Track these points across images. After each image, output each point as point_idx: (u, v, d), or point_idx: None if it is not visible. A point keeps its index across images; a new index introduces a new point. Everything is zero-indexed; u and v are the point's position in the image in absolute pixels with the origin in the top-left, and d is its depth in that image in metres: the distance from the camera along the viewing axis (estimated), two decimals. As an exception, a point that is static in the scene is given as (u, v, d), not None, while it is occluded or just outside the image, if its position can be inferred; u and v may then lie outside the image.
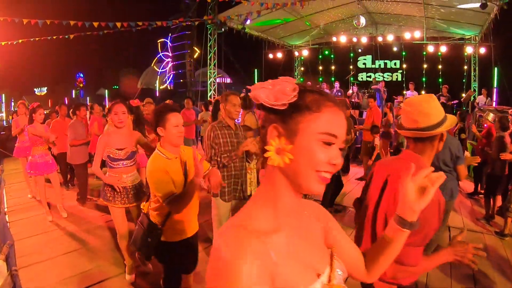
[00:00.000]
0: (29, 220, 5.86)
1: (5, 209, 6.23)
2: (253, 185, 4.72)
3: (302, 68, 22.33)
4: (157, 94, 26.67)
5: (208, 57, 16.88)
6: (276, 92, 0.92)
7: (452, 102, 14.38)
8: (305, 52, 20.94)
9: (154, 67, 28.57)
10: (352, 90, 15.87)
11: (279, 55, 20.24)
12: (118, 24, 11.72)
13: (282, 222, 0.95)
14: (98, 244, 4.98)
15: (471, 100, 15.40)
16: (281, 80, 0.96)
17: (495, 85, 15.90)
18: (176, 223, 2.77)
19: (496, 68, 15.82)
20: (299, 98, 0.93)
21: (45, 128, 6.02)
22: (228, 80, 22.78)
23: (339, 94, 15.81)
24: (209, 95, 17.02)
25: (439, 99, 13.67)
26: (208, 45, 16.74)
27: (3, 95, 39.58)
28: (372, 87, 16.36)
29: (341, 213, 6.35)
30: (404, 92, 15.93)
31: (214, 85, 17.23)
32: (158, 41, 24.42)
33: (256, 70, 22.09)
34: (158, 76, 28.66)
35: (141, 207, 2.87)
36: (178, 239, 2.79)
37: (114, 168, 3.78)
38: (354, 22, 16.35)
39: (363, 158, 8.29)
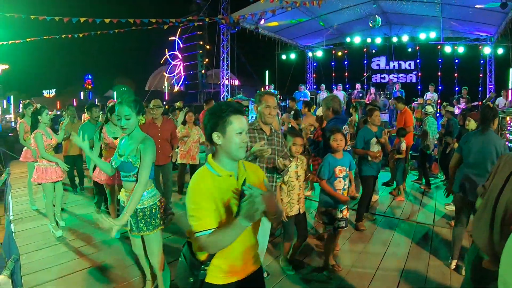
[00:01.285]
0: (36, 231, 5.35)
1: (11, 217, 5.80)
2: (301, 203, 4.11)
3: (315, 69, 21.96)
4: (166, 97, 26.29)
5: (221, 58, 16.47)
6: None
7: (473, 104, 13.90)
8: (318, 53, 20.55)
9: (164, 73, 28.22)
10: (371, 91, 15.45)
11: (292, 56, 19.94)
12: (131, 21, 11.31)
13: None
14: (115, 260, 4.44)
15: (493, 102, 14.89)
16: None
17: (510, 86, 15.41)
18: (227, 260, 2.04)
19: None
20: None
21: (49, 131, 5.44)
22: (236, 82, 22.29)
23: (360, 95, 15.44)
24: (221, 96, 16.58)
25: (458, 101, 13.34)
26: (221, 45, 16.36)
27: (12, 96, 39.62)
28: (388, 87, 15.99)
29: (374, 222, 5.87)
30: (425, 93, 15.40)
31: (226, 87, 16.80)
32: (169, 38, 23.96)
33: (267, 71, 21.74)
34: (166, 77, 28.25)
35: (186, 234, 2.17)
36: (228, 282, 2.06)
37: (122, 180, 3.22)
38: (370, 22, 15.98)
39: (390, 162, 7.79)
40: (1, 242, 6.04)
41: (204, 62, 19.49)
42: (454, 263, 4.29)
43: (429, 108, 8.20)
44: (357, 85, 16.43)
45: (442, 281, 4.00)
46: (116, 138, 4.62)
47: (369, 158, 5.41)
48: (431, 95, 14.42)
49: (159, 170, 5.67)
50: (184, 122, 7.26)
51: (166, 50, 26.13)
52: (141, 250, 3.39)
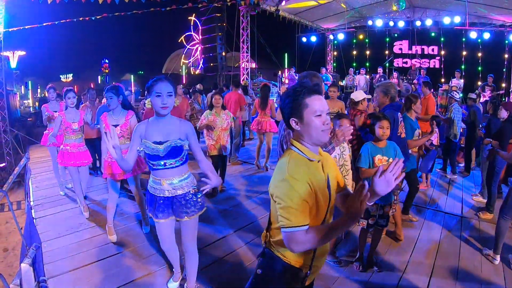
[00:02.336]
0: (57, 217, 5.16)
1: (31, 203, 5.68)
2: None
3: (335, 53, 21.57)
4: (184, 80, 26.08)
5: (241, 40, 16.14)
6: None
7: (498, 92, 13.42)
8: (339, 36, 20.22)
9: (183, 60, 27.85)
10: (394, 76, 15.03)
11: (313, 38, 19.80)
12: (151, -1, 11.06)
13: None
14: (141, 247, 4.24)
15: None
16: None
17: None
18: (322, 255, 1.97)
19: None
20: None
21: (81, 114, 5.36)
22: (253, 65, 22.04)
23: (382, 80, 15.06)
24: (241, 79, 16.28)
25: (484, 89, 12.84)
26: (241, 27, 16.01)
27: (30, 82, 40.02)
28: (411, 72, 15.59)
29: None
30: (451, 79, 14.92)
31: (247, 70, 16.51)
32: (189, 18, 23.39)
33: (286, 54, 21.45)
34: (183, 60, 28.01)
35: (262, 241, 2.01)
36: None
37: (154, 169, 2.94)
38: (394, 4, 15.66)
39: (420, 150, 7.40)
40: (22, 227, 5.97)
41: (223, 43, 19.07)
42: (498, 258, 4.04)
43: (457, 95, 7.79)
44: (379, 69, 16.01)
45: (476, 272, 3.84)
46: (116, 126, 4.25)
47: (410, 151, 4.92)
48: (457, 82, 13.95)
49: None
50: (210, 107, 6.34)
51: (183, 38, 25.75)
52: (171, 243, 3.25)
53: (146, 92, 2.88)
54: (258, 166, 7.77)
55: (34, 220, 4.95)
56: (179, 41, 25.50)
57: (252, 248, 4.24)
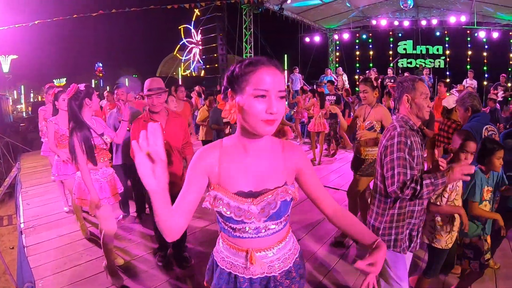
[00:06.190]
0: (52, 244, 4.30)
1: (22, 225, 4.93)
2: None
3: (338, 53, 21.03)
4: (180, 82, 25.48)
5: (244, 40, 15.46)
6: None
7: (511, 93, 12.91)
8: (342, 36, 19.80)
9: (177, 55, 27.19)
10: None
11: (316, 38, 19.41)
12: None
13: None
14: None
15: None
16: None
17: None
18: None
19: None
20: None
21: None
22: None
23: (392, 81, 14.54)
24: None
25: (496, 88, 12.27)
26: (243, 27, 15.34)
27: (22, 86, 39.57)
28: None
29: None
30: (464, 79, 14.41)
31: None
32: (180, 27, 22.73)
33: (286, 55, 21.02)
34: (182, 63, 27.42)
35: None
36: None
37: (235, 236, 1.47)
38: (401, 3, 15.21)
39: (428, 152, 6.73)
40: (12, 246, 5.24)
41: (223, 44, 18.25)
42: None
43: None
44: (388, 70, 15.44)
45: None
46: (103, 135, 3.36)
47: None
48: (470, 82, 13.42)
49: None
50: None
51: (182, 30, 24.93)
52: None
53: (229, 84, 1.37)
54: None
55: (25, 248, 4.17)
56: (175, 53, 24.86)
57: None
